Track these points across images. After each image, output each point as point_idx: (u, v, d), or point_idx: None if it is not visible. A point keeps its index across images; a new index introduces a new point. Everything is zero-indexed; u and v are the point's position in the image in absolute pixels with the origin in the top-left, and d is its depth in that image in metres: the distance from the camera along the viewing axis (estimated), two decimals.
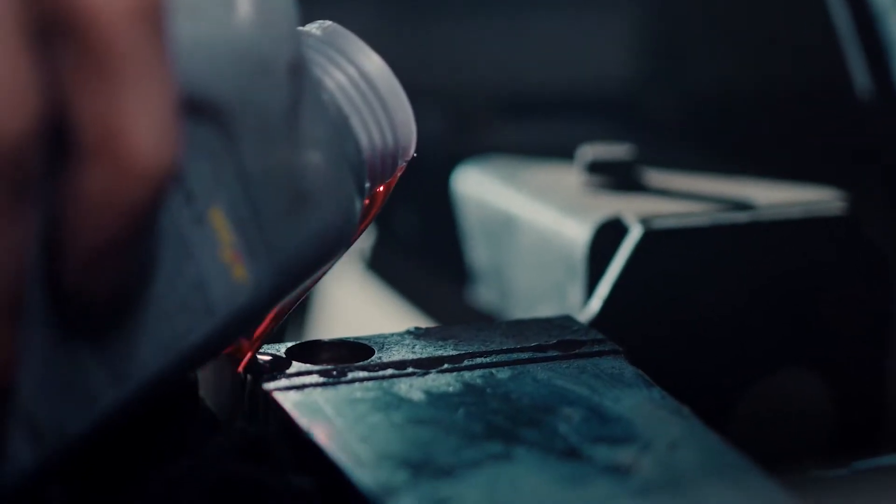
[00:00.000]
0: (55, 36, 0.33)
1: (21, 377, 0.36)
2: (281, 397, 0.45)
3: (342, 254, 0.43)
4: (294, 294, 0.43)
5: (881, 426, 0.65)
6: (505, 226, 0.70)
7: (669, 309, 0.62)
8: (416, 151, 0.47)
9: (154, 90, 0.33)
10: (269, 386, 0.46)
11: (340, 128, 0.43)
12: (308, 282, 0.43)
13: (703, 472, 0.42)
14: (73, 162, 0.33)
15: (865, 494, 0.37)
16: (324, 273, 0.44)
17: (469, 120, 0.86)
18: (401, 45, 0.93)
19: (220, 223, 0.39)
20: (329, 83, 0.43)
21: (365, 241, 1.00)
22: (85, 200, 0.33)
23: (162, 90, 0.34)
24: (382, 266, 0.97)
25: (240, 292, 0.40)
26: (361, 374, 0.47)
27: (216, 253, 0.39)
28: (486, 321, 0.71)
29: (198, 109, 0.38)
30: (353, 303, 1.02)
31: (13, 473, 0.37)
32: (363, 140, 0.44)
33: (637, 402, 0.46)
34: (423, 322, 0.82)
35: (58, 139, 0.33)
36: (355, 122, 0.44)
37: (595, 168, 0.69)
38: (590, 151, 0.70)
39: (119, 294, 0.36)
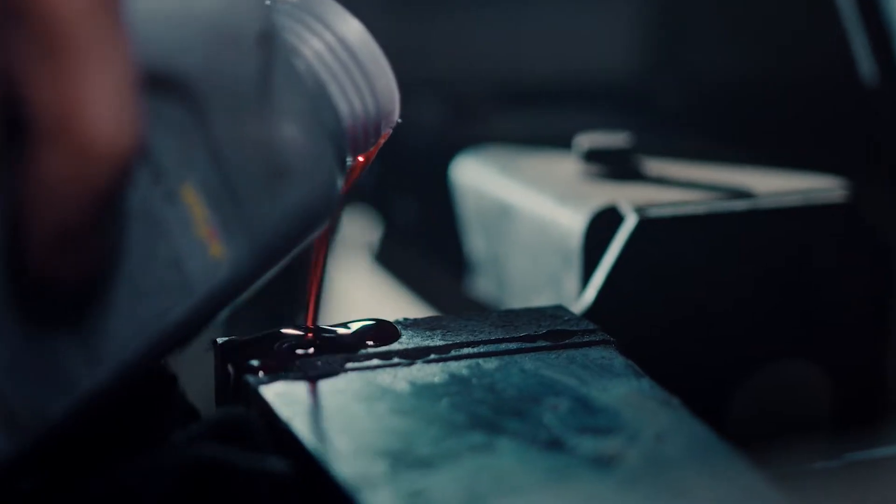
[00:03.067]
0: (7, 17, 0.32)
1: None
2: (263, 388, 0.44)
3: (324, 227, 0.43)
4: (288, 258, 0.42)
5: (880, 416, 0.64)
6: (502, 215, 0.69)
7: (665, 298, 0.62)
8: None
9: (110, 69, 0.33)
10: (251, 377, 0.45)
11: (317, 98, 0.42)
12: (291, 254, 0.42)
13: (688, 463, 0.41)
14: (32, 144, 0.33)
15: (856, 486, 0.37)
16: (306, 245, 0.43)
17: (468, 109, 0.86)
18: (400, 35, 0.92)
19: (193, 199, 0.39)
20: (305, 51, 0.42)
21: (373, 234, 0.99)
22: (45, 183, 0.33)
23: (118, 69, 0.33)
24: (390, 256, 0.97)
25: (218, 269, 0.39)
26: (347, 364, 0.46)
27: (191, 230, 0.39)
28: (482, 311, 0.70)
29: (163, 84, 0.37)
30: (359, 294, 1.01)
31: None
32: (343, 109, 0.43)
33: (625, 392, 0.45)
34: (423, 311, 0.82)
35: (16, 122, 0.33)
36: (334, 91, 0.43)
37: (592, 157, 0.68)
38: (586, 140, 0.69)
39: (88, 276, 0.35)
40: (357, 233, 1.01)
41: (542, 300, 0.65)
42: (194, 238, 0.39)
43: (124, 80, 0.33)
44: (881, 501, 0.37)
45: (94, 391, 0.38)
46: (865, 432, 0.62)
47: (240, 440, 0.41)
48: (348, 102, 0.43)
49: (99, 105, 0.33)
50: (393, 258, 0.93)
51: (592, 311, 0.60)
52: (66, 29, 0.32)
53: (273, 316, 1.10)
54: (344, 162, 0.42)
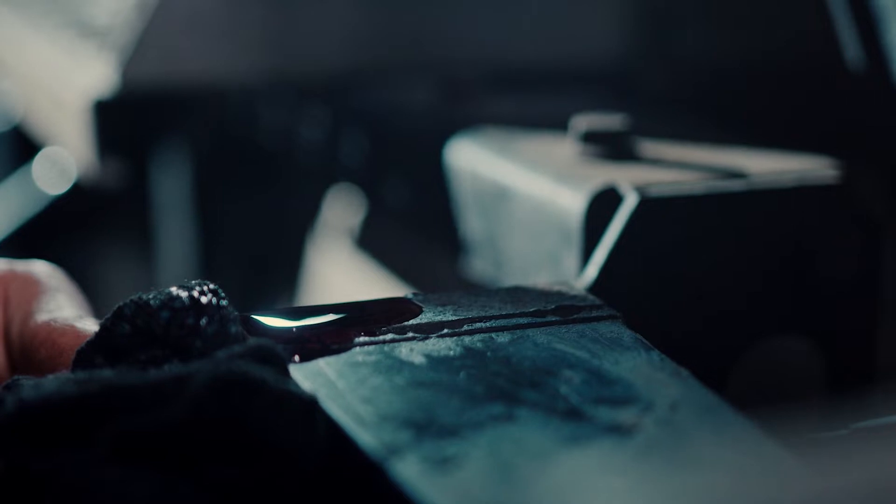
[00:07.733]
0: None
1: None
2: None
3: None
4: None
5: (872, 392, 0.65)
6: (499, 197, 0.70)
7: (664, 276, 0.62)
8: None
9: None
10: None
11: None
12: None
13: (703, 432, 0.42)
14: None
15: (864, 453, 0.38)
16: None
17: (462, 92, 0.86)
18: (394, 18, 0.93)
19: None
20: None
21: (354, 218, 1.00)
22: None
23: None
24: (376, 239, 0.97)
25: None
26: (363, 338, 0.47)
27: None
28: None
29: None
30: (341, 278, 1.02)
31: None
32: None
33: (636, 364, 0.46)
34: None
35: None
36: None
37: (589, 138, 0.69)
38: (583, 122, 0.70)
39: None
40: (341, 215, 1.01)
41: (540, 280, 0.66)
42: None
43: None
44: (880, 466, 0.38)
45: None
46: (858, 403, 0.63)
47: (272, 366, 0.42)
48: None
49: None
50: (386, 241, 0.94)
51: (593, 290, 0.61)
52: None
53: (248, 298, 1.11)
54: None
